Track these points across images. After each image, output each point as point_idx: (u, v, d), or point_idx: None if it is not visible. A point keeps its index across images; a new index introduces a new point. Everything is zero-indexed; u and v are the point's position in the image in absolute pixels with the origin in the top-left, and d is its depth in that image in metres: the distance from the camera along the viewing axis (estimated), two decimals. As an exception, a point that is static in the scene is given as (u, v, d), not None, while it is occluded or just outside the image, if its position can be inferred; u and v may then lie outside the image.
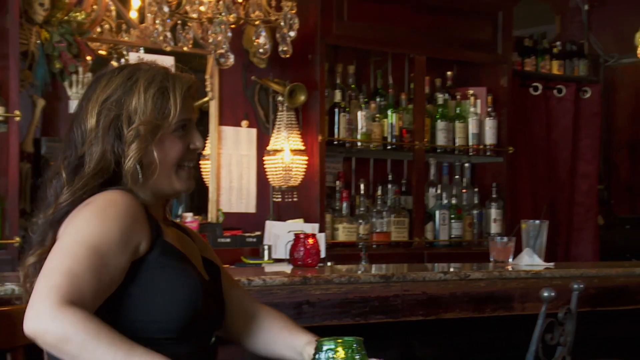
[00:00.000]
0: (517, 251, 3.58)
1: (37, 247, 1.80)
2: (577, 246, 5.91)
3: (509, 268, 3.41)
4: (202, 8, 4.02)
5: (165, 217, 1.96)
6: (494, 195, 5.37)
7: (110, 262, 1.67)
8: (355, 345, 1.47)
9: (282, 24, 4.21)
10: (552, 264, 3.52)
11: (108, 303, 1.70)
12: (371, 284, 2.85)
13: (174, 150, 1.85)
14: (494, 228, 5.35)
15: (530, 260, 3.50)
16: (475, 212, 5.34)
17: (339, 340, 1.47)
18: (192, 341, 1.81)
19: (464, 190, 5.35)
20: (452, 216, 5.22)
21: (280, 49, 4.29)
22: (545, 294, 2.60)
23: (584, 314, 3.17)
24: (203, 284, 1.83)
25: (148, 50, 4.56)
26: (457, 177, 5.38)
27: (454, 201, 5.25)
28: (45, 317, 1.57)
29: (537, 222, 3.59)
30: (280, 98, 4.82)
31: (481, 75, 5.45)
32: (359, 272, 2.94)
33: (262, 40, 4.29)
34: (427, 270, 3.03)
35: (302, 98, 4.70)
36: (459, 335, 3.09)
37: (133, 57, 4.57)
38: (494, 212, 5.36)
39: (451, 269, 3.09)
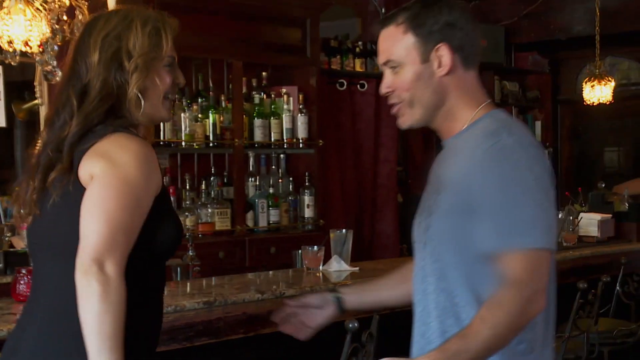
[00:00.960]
0: (327, 258, 3.65)
1: (57, 163, 1.90)
2: (380, 223, 6.08)
3: (319, 275, 3.48)
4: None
5: None
6: (307, 184, 5.43)
7: (144, 206, 1.83)
8: None
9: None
10: (356, 268, 3.61)
11: None
12: (195, 310, 2.84)
13: (164, 82, 1.97)
14: (308, 212, 5.42)
15: (338, 266, 3.58)
16: (290, 199, 5.38)
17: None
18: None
19: (280, 180, 5.37)
20: (270, 204, 5.25)
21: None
22: (350, 325, 2.67)
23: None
24: None
25: (-26, 61, 4.27)
26: (273, 167, 5.39)
27: (271, 190, 5.27)
28: (88, 275, 1.74)
29: (344, 231, 3.67)
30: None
31: (293, 75, 5.46)
32: (184, 299, 2.91)
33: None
34: (247, 292, 3.03)
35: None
36: (277, 348, 3.13)
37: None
38: (307, 199, 5.42)
39: (268, 290, 3.09)
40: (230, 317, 2.88)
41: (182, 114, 4.89)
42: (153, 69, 1.95)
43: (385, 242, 6.05)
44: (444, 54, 1.90)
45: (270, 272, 3.65)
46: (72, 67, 1.97)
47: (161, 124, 4.76)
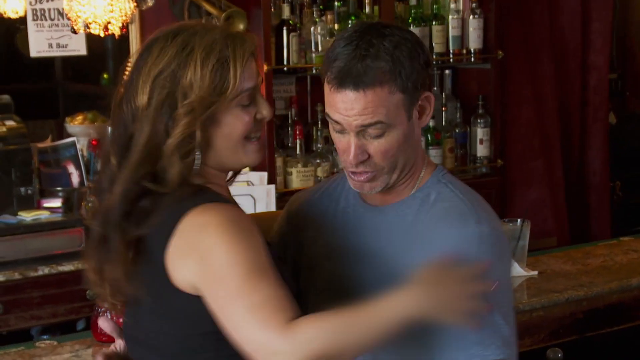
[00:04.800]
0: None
1: (115, 254, 2.00)
2: (586, 154, 6.04)
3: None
4: None
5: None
6: (480, 111, 5.46)
7: (273, 269, 1.89)
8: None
9: None
10: (535, 272, 3.69)
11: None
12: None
13: (239, 125, 2.02)
14: (481, 150, 5.48)
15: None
16: (458, 132, 5.44)
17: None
18: None
19: (443, 108, 5.43)
20: (430, 141, 5.32)
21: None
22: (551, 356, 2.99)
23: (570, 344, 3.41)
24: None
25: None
26: (435, 90, 5.44)
27: (431, 122, 5.32)
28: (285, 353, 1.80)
29: (518, 223, 3.74)
30: (215, 22, 4.81)
31: (463, -38, 5.42)
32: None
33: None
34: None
35: (241, 27, 4.70)
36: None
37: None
38: (480, 131, 5.47)
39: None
40: None
41: (312, 28, 4.98)
42: (217, 113, 1.99)
43: (591, 181, 6.03)
44: (427, 102, 2.07)
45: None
46: (116, 112, 2.04)
47: (285, 44, 4.90)
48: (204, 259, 1.91)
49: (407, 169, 2.10)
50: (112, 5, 3.25)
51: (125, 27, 3.41)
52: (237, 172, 2.19)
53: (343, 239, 2.16)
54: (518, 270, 3.68)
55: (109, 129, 2.09)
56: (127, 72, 2.09)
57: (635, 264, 3.84)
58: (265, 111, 2.06)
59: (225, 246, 1.90)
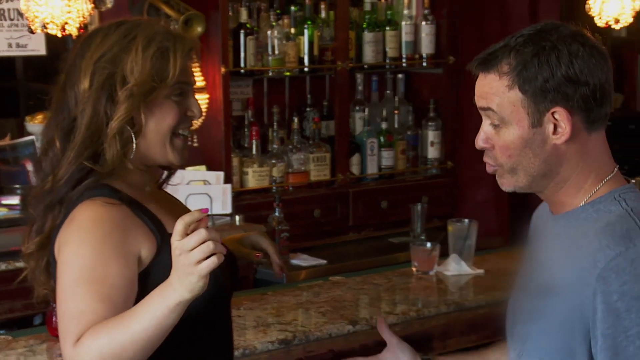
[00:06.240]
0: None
1: (36, 234, 2.10)
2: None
3: (433, 281, 3.68)
4: None
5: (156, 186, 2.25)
6: (431, 114, 5.55)
7: (114, 281, 1.93)
8: None
9: None
10: (481, 271, 3.78)
11: None
12: (269, 352, 3.09)
13: (170, 116, 2.08)
14: (432, 152, 5.57)
15: (458, 269, 3.76)
16: (409, 134, 5.52)
17: None
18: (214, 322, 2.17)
19: (396, 111, 5.50)
20: (382, 143, 5.40)
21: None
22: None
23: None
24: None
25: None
26: (388, 93, 5.52)
27: (384, 125, 5.40)
28: None
29: (465, 222, 3.82)
30: (174, 25, 4.85)
31: (416, -31, 5.50)
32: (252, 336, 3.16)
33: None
34: (333, 323, 3.25)
35: (199, 30, 4.74)
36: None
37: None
38: (431, 134, 5.56)
39: (359, 320, 3.31)
40: (313, 358, 3.12)
41: (269, 31, 5.04)
42: (153, 101, 2.05)
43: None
44: (561, 119, 1.97)
45: (358, 279, 3.82)
46: (59, 97, 2.09)
47: (242, 47, 4.95)
48: (59, 253, 2.01)
49: (555, 180, 2.01)
50: (69, 5, 3.30)
51: (83, 27, 3.46)
52: (170, 173, 2.27)
53: (531, 245, 2.20)
54: (465, 269, 3.77)
55: (51, 111, 2.13)
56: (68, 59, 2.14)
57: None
58: (195, 109, 2.11)
59: (72, 246, 1.98)
